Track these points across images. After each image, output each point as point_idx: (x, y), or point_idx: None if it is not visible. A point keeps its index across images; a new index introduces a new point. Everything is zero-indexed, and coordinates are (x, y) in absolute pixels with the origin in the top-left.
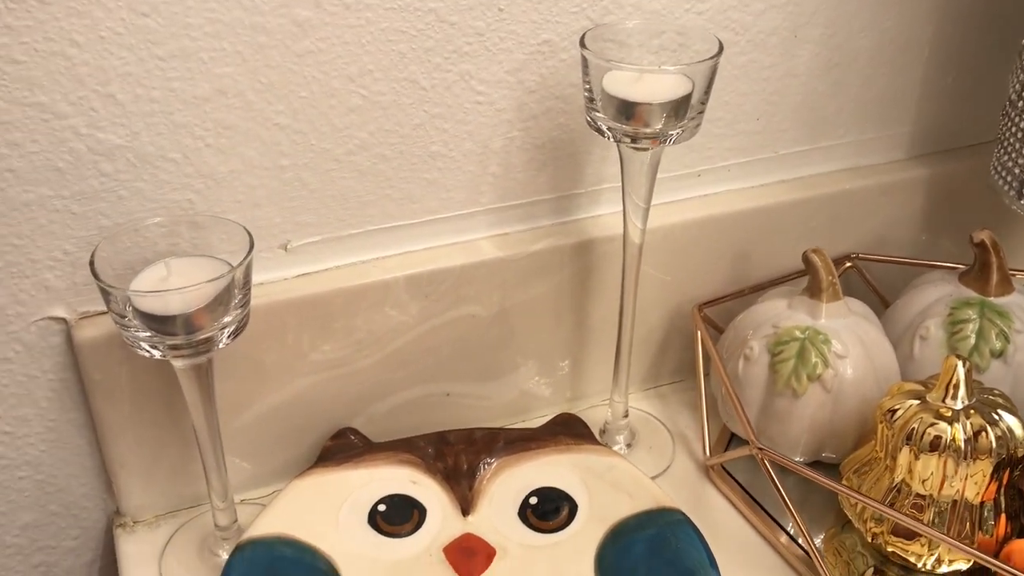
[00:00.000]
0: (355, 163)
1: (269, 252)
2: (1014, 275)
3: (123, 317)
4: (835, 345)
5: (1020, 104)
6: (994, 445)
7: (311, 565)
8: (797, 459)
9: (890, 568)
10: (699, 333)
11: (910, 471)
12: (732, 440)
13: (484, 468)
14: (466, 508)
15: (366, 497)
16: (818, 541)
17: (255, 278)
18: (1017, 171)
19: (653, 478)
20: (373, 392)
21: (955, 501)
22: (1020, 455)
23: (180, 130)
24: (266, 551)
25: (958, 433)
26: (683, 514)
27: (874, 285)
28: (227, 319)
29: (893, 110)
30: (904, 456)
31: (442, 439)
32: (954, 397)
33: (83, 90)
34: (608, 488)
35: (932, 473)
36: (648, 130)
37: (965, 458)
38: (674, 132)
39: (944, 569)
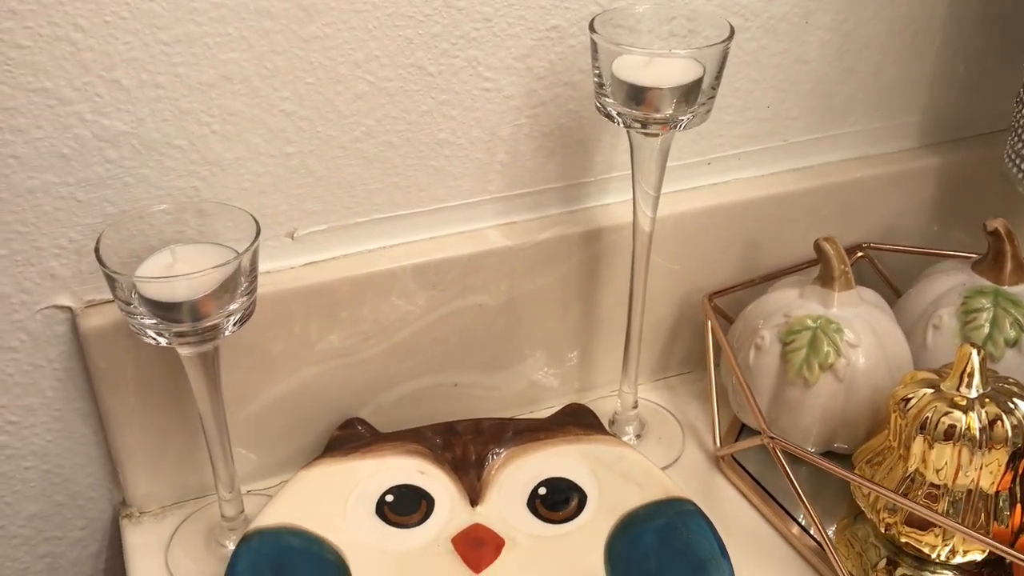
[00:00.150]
0: (362, 150)
1: (275, 240)
2: None
3: (129, 304)
4: (847, 334)
5: None
6: (1010, 434)
7: (318, 555)
8: (809, 450)
9: (903, 559)
10: (709, 323)
11: (924, 461)
12: (743, 431)
13: (493, 458)
14: (474, 498)
15: (374, 487)
16: (830, 532)
17: (261, 266)
18: None
19: (663, 469)
20: (380, 382)
21: (970, 491)
22: None
23: (185, 116)
24: (273, 541)
25: (973, 422)
26: (694, 504)
27: (886, 275)
28: (233, 306)
29: (904, 98)
30: (918, 445)
31: (450, 429)
32: (968, 385)
33: (88, 75)
34: (618, 478)
35: (946, 462)
36: (658, 115)
37: (980, 447)
38: (684, 118)
39: (959, 560)
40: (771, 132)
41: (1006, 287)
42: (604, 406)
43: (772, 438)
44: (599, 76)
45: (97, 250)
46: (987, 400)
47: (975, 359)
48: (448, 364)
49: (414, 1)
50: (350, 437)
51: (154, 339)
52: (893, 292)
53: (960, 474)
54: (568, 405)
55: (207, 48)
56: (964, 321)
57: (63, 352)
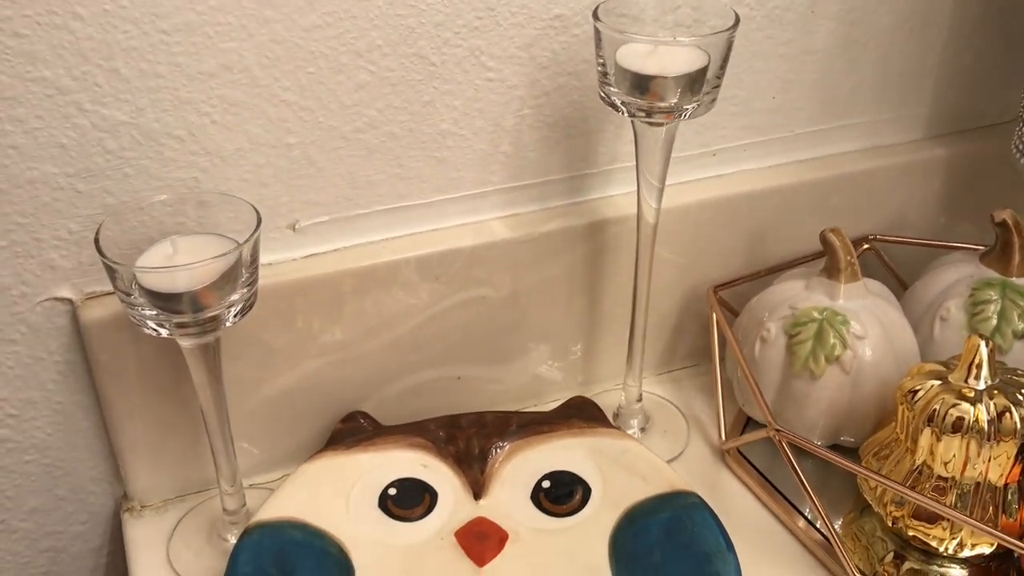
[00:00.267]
0: (363, 141)
1: (277, 232)
2: None
3: (129, 295)
4: (854, 326)
5: None
6: (1018, 426)
7: (321, 549)
8: (815, 442)
9: (911, 553)
10: (714, 316)
11: (932, 453)
12: (748, 424)
13: (496, 452)
14: (478, 492)
15: (376, 481)
16: (836, 526)
17: (263, 258)
18: None
19: (668, 462)
20: (383, 375)
21: (978, 483)
22: None
23: (185, 106)
24: (275, 535)
25: (981, 414)
26: (699, 497)
27: (892, 267)
28: (234, 297)
29: (911, 89)
30: (925, 438)
31: (453, 422)
32: (977, 377)
33: (87, 65)
34: (622, 472)
35: (954, 455)
36: (663, 104)
37: (988, 439)
38: (689, 107)
39: (966, 553)
40: (777, 123)
41: (1014, 279)
42: (608, 399)
43: (778, 431)
44: (603, 65)
45: (97, 240)
46: (995, 392)
47: (983, 350)
48: (451, 357)
49: None
50: (352, 430)
51: (155, 330)
52: (900, 284)
53: (968, 467)
54: (572, 398)
55: (207, 37)
56: (972, 313)
57: (64, 345)
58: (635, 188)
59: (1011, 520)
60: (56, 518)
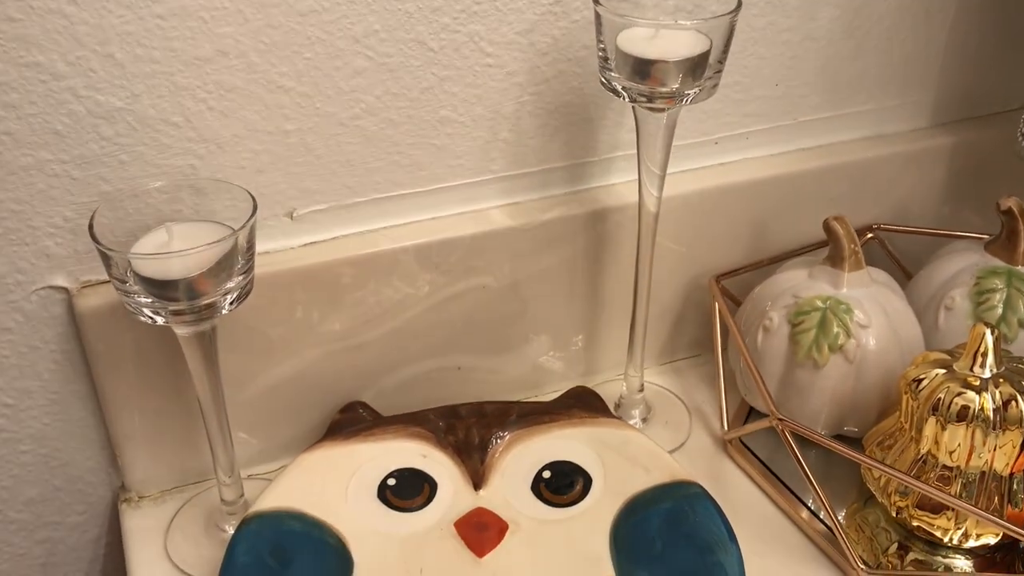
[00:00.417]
0: (361, 128)
1: (274, 220)
2: None
3: (124, 283)
4: (857, 315)
5: None
6: None
7: (319, 539)
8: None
9: (915, 543)
10: (716, 305)
11: (936, 442)
12: (750, 414)
13: (496, 442)
14: (478, 482)
15: (375, 471)
16: (840, 517)
17: (260, 247)
18: None
19: (669, 452)
20: (382, 365)
21: (983, 473)
22: None
23: (181, 92)
24: (273, 525)
25: (987, 402)
26: (700, 487)
27: (897, 257)
28: (230, 285)
29: (916, 76)
30: (930, 427)
31: (453, 412)
32: (982, 366)
33: (81, 50)
34: (623, 462)
35: (959, 444)
36: (664, 89)
37: (994, 428)
38: (691, 92)
39: (971, 544)
40: (780, 111)
41: (1020, 267)
42: (610, 390)
43: (781, 420)
44: (603, 50)
45: (91, 227)
46: (1001, 380)
47: (989, 338)
48: (451, 347)
49: None
50: (351, 420)
51: (150, 318)
52: (904, 274)
53: (973, 456)
54: (573, 388)
55: (203, 22)
56: (977, 302)
57: (60, 334)
58: (636, 176)
59: (1017, 510)
60: (53, 509)
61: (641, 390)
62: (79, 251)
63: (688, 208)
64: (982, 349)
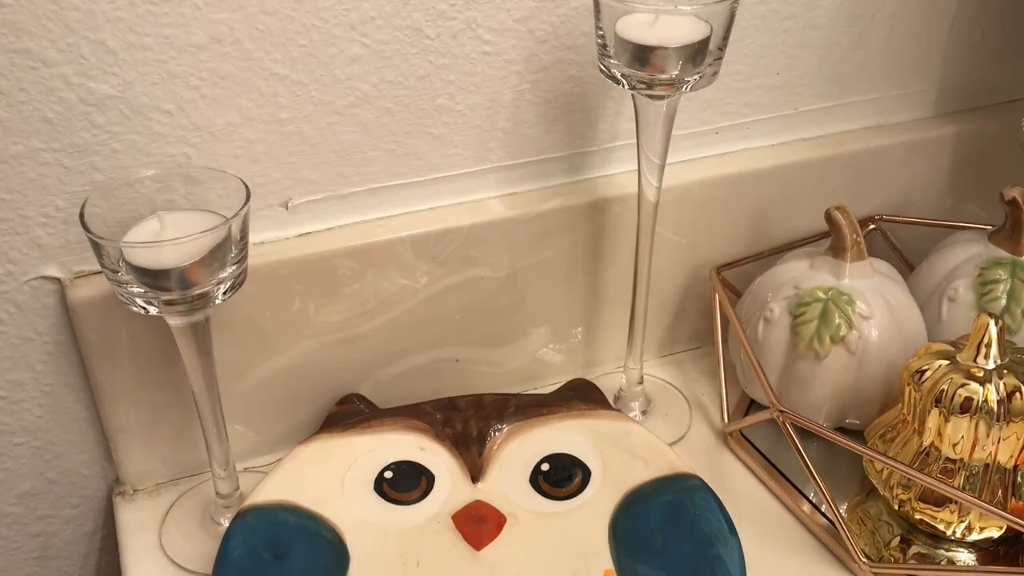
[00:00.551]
0: (357, 116)
1: (269, 210)
2: None
3: (116, 272)
4: (859, 306)
5: None
6: None
7: (315, 532)
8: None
9: (917, 537)
10: (717, 296)
11: (939, 434)
12: (751, 407)
13: (494, 434)
14: (476, 475)
15: (372, 463)
16: (842, 510)
17: (255, 237)
18: None
19: (669, 445)
20: (379, 357)
21: (987, 465)
22: None
23: (174, 80)
24: (268, 518)
25: (990, 394)
26: (701, 480)
27: (899, 248)
28: (223, 274)
29: (919, 65)
30: (933, 419)
31: (451, 405)
32: (986, 357)
33: (72, 36)
34: (622, 454)
35: (963, 436)
36: (664, 76)
37: (998, 420)
38: (691, 79)
39: (975, 537)
40: (781, 100)
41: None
42: (609, 382)
43: (782, 412)
44: (602, 37)
45: (82, 216)
46: (1005, 372)
47: (993, 329)
48: (449, 339)
49: None
50: (348, 413)
51: (143, 308)
52: (906, 266)
53: (977, 448)
54: (572, 380)
55: (196, 8)
56: (980, 293)
57: (53, 325)
58: (636, 166)
59: (1021, 503)
60: (47, 502)
61: (641, 382)
62: (71, 241)
63: (688, 199)
64: (986, 340)
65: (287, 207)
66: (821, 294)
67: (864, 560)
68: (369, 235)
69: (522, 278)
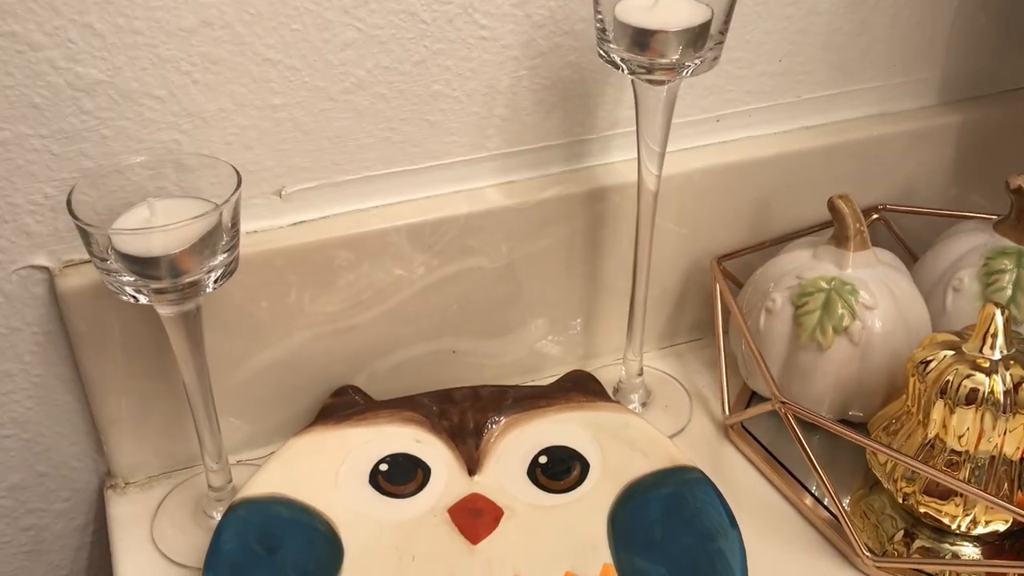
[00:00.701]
0: (352, 102)
1: (262, 198)
2: None
3: (105, 261)
4: (863, 296)
5: None
6: None
7: (308, 526)
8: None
9: (921, 530)
10: (718, 287)
11: (944, 426)
12: (752, 399)
13: (491, 426)
14: (472, 468)
15: (367, 456)
16: (844, 503)
17: (248, 226)
18: None
19: (669, 437)
20: (375, 348)
21: (993, 457)
22: None
23: (165, 65)
24: (261, 511)
25: (997, 385)
26: (701, 472)
27: (903, 238)
28: (214, 262)
29: (923, 53)
30: (938, 411)
31: (447, 397)
32: (992, 347)
33: (59, 19)
34: (622, 446)
35: (968, 428)
36: (664, 60)
37: (1004, 412)
38: (691, 64)
39: (980, 530)
40: (783, 87)
41: None
42: (608, 374)
43: (784, 403)
44: (601, 21)
45: (69, 202)
46: (1012, 362)
47: (999, 319)
48: (446, 330)
49: None
50: (343, 405)
51: (132, 297)
52: (910, 256)
53: (983, 440)
54: (571, 372)
55: None
56: (986, 283)
57: (42, 315)
58: (636, 154)
59: None
60: (38, 495)
61: (640, 374)
62: (60, 229)
63: (689, 187)
64: (992, 330)
65: (280, 195)
66: (824, 284)
67: (867, 554)
68: (364, 224)
69: (520, 268)
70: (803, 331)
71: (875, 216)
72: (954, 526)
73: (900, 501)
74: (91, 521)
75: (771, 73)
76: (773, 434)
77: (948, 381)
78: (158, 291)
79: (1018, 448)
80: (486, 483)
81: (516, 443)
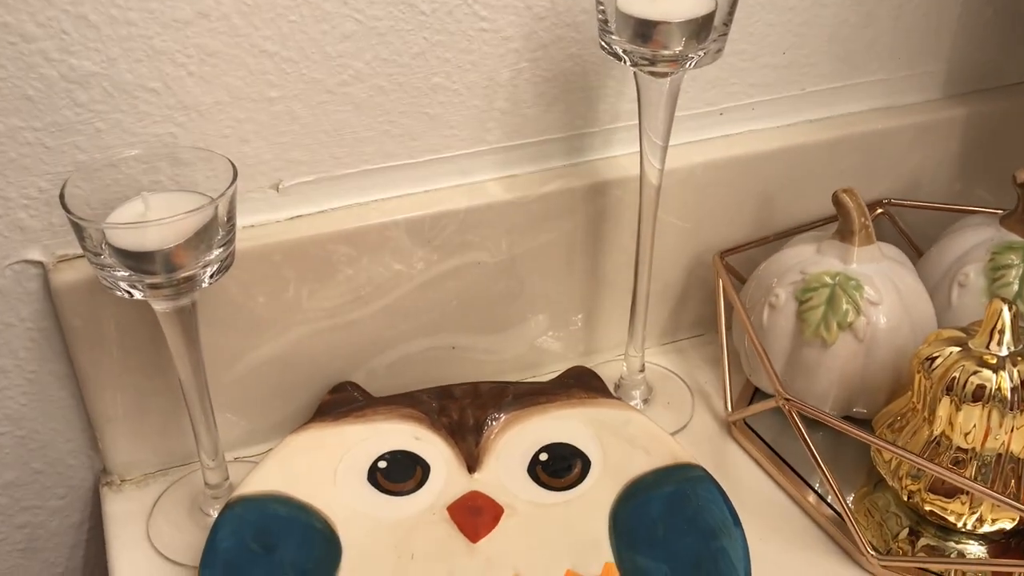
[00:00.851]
0: (350, 95)
1: (259, 192)
2: None
3: (98, 256)
4: (868, 291)
5: None
6: None
7: (306, 524)
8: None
9: (926, 529)
10: (720, 282)
11: (950, 423)
12: (755, 395)
13: (491, 423)
14: (472, 465)
15: (366, 453)
16: (848, 501)
17: (245, 220)
18: None
19: (671, 434)
20: (374, 344)
21: (1000, 455)
22: None
23: (160, 56)
24: (257, 509)
25: (1004, 382)
26: (703, 470)
27: (907, 233)
28: (210, 257)
29: (929, 45)
30: (944, 408)
31: (447, 393)
32: (999, 343)
33: (52, 10)
34: (623, 443)
35: (975, 425)
36: (667, 52)
37: (1011, 409)
38: (695, 55)
39: (986, 529)
40: (787, 80)
41: None
42: (610, 370)
43: (788, 400)
44: (603, 12)
45: (62, 196)
46: (1019, 359)
47: (1006, 315)
48: (445, 326)
49: None
50: (342, 401)
51: (127, 292)
52: (914, 251)
53: (989, 438)
54: (572, 368)
55: None
56: (992, 278)
57: (36, 310)
58: (638, 148)
59: None
60: (32, 492)
61: (642, 370)
62: (54, 224)
63: (692, 181)
64: (999, 326)
65: (278, 189)
66: (828, 279)
67: (872, 552)
68: (362, 218)
69: (520, 263)
70: (807, 327)
71: (879, 211)
72: (960, 524)
73: (905, 499)
74: (87, 519)
75: (775, 66)
76: (776, 431)
77: (954, 378)
78: (153, 286)
79: None
80: (486, 481)
81: (516, 440)
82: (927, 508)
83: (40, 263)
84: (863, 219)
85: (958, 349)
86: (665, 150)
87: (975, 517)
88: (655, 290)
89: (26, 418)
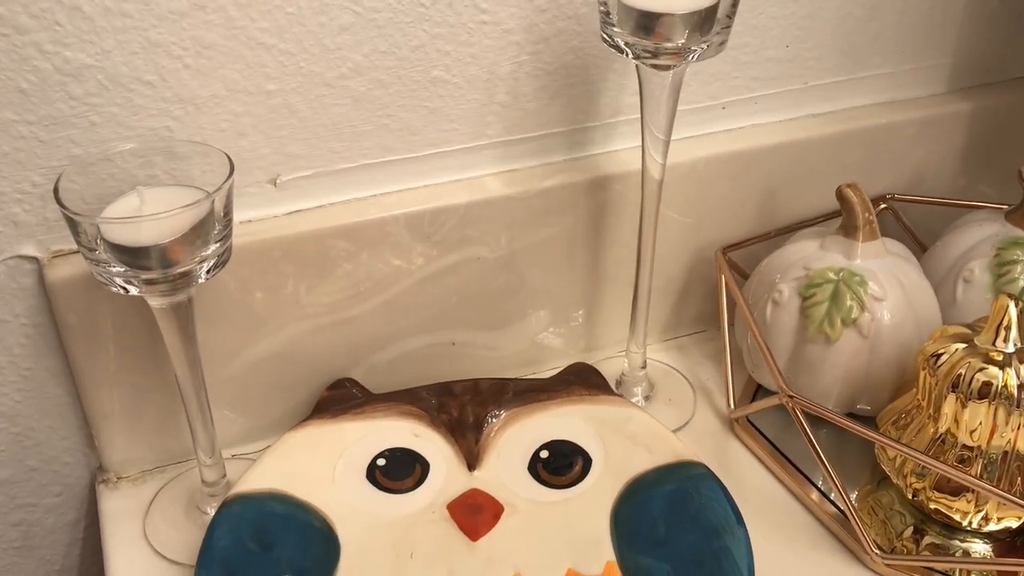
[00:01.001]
0: (348, 88)
1: (257, 187)
2: None
3: (93, 251)
4: (872, 287)
5: None
6: None
7: (304, 522)
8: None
9: (931, 527)
10: (723, 278)
11: (956, 421)
12: (758, 392)
13: (491, 420)
14: (472, 462)
15: (364, 450)
16: (852, 499)
17: (243, 215)
18: None
19: (673, 432)
20: (373, 341)
21: (1006, 452)
22: None
23: (156, 49)
24: (255, 507)
25: (1010, 379)
26: (706, 467)
27: (911, 229)
28: (206, 252)
29: (934, 38)
30: (949, 405)
31: (447, 390)
32: (1005, 340)
33: (45, 1)
34: (624, 441)
35: (981, 423)
36: (670, 44)
37: (1018, 406)
38: (697, 48)
39: (992, 527)
40: (790, 74)
41: None
42: (611, 367)
43: (791, 397)
44: (605, 4)
45: (56, 191)
46: None
47: (1013, 311)
48: (445, 322)
49: None
50: (340, 398)
51: (122, 288)
52: (919, 246)
53: (995, 435)
54: (572, 364)
55: None
56: (997, 274)
57: (31, 306)
58: (639, 142)
59: None
60: (28, 490)
61: (643, 367)
62: (49, 218)
63: (694, 176)
64: (1005, 322)
65: (275, 184)
66: (832, 275)
67: (876, 551)
68: (361, 213)
69: (521, 258)
70: (811, 323)
71: (883, 206)
72: (965, 523)
73: (909, 497)
74: (82, 516)
75: (778, 59)
76: (779, 428)
77: (960, 375)
78: (148, 282)
79: None
80: (486, 478)
81: (517, 437)
82: (932, 506)
83: (35, 258)
84: (867, 214)
85: (964, 346)
86: (667, 144)
87: (980, 515)
88: (657, 286)
89: (21, 415)
